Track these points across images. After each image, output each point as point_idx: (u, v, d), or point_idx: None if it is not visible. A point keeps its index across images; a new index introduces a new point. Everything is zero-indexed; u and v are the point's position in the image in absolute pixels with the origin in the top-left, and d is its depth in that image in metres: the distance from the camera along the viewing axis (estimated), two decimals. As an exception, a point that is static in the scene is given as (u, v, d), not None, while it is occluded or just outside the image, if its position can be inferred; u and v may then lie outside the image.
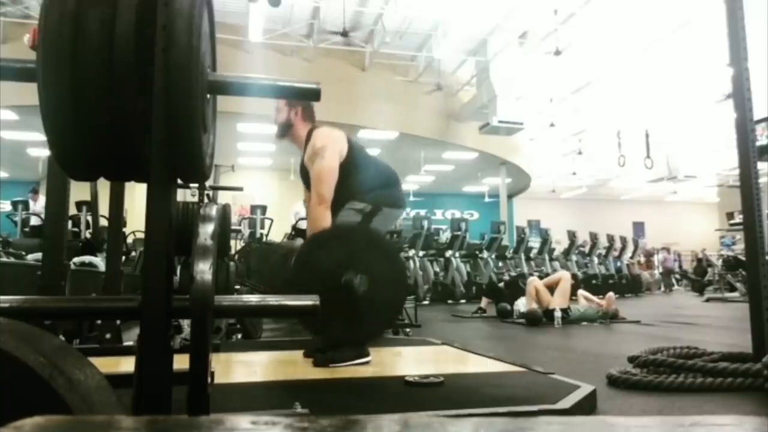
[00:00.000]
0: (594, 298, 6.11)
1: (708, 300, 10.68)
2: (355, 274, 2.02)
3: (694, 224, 24.05)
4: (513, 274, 9.63)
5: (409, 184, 18.72)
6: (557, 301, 5.69)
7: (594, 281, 10.99)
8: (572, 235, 12.49)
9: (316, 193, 2.68)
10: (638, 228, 23.98)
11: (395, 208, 2.91)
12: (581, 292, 6.19)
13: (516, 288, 6.78)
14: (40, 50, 0.90)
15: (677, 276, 17.63)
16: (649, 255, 18.04)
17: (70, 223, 5.26)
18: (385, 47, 11.56)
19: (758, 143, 2.55)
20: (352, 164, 2.78)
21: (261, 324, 4.33)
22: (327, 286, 2.04)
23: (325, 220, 2.61)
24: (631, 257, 14.56)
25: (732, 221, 13.07)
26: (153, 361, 0.93)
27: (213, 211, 1.14)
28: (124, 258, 4.76)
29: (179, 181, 1.08)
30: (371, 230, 2.58)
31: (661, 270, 17.19)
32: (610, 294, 6.10)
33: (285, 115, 2.89)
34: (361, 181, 2.78)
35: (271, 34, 10.68)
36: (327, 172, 2.68)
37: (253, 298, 1.35)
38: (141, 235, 6.15)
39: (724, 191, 20.33)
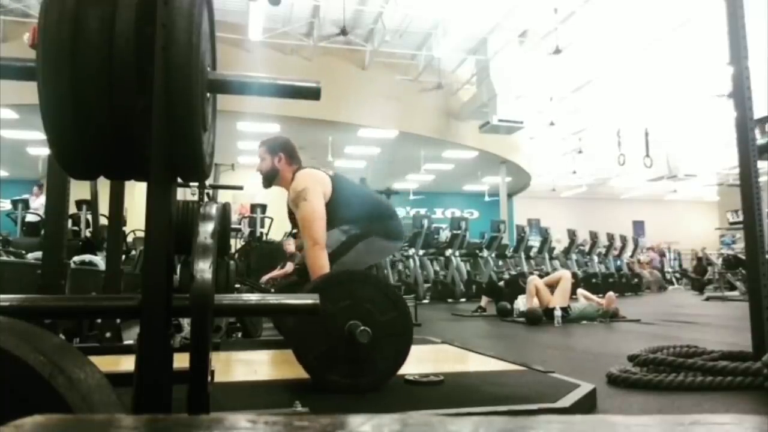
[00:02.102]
0: (593, 297, 6.11)
1: (708, 299, 10.68)
2: (359, 321, 2.01)
3: (694, 223, 24.05)
4: (513, 272, 9.64)
5: (409, 182, 18.73)
6: (557, 300, 5.69)
7: (594, 280, 10.99)
8: (572, 234, 12.49)
9: (308, 237, 2.61)
10: (638, 227, 23.98)
11: (389, 240, 2.85)
12: (580, 291, 6.20)
13: (516, 287, 6.78)
14: (39, 49, 0.90)
15: (676, 276, 17.62)
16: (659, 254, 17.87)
17: (70, 222, 5.26)
18: (385, 46, 11.55)
19: (758, 142, 2.55)
20: (338, 202, 2.72)
21: (261, 323, 4.33)
22: (330, 335, 2.02)
23: (323, 260, 2.55)
24: (631, 256, 14.57)
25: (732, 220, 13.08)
26: (153, 359, 0.93)
27: (213, 209, 1.14)
28: (124, 257, 4.76)
29: (179, 180, 1.08)
30: (375, 276, 2.55)
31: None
32: (610, 293, 6.10)
33: (269, 163, 2.84)
34: (351, 215, 2.72)
35: (271, 32, 10.68)
36: (313, 214, 2.62)
37: (253, 297, 1.35)
38: (141, 234, 6.16)
39: (724, 190, 20.32)
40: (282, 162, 2.84)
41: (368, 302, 2.07)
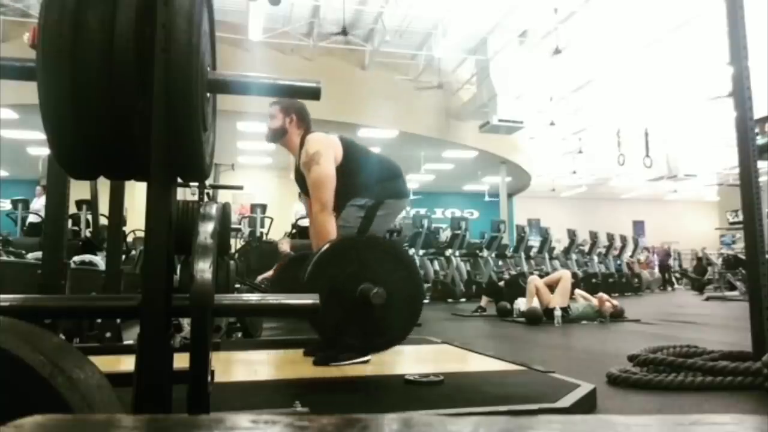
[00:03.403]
0: (591, 297, 6.12)
1: (708, 299, 10.68)
2: (372, 285, 2.00)
3: (694, 223, 24.06)
4: (513, 272, 9.63)
5: (410, 183, 18.65)
6: (557, 300, 5.69)
7: (594, 280, 10.99)
8: (572, 234, 12.49)
9: (316, 200, 2.65)
10: (638, 227, 23.99)
11: (399, 199, 2.90)
12: (578, 291, 6.19)
13: (516, 287, 6.78)
14: (39, 49, 0.90)
15: (676, 276, 17.62)
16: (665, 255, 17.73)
17: (69, 221, 5.26)
18: (385, 46, 11.55)
19: (758, 142, 2.55)
20: (350, 165, 2.76)
21: (261, 323, 4.34)
22: (343, 298, 2.02)
23: (330, 226, 2.59)
24: (631, 256, 14.57)
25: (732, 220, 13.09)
26: (153, 359, 0.93)
27: (213, 209, 1.14)
28: (124, 257, 4.76)
29: (179, 180, 1.08)
30: (385, 240, 2.56)
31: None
32: (601, 294, 6.11)
33: (280, 122, 2.87)
34: (362, 180, 2.76)
35: (271, 32, 10.67)
36: (324, 178, 2.66)
37: (253, 297, 1.35)
38: (141, 234, 6.15)
39: (724, 190, 20.34)
40: (293, 124, 2.87)
41: (377, 264, 2.07)
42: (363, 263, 2.06)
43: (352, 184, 2.74)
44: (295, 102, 2.92)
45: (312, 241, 2.74)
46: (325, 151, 2.72)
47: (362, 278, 2.02)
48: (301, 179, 2.87)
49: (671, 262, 18.02)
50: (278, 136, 2.90)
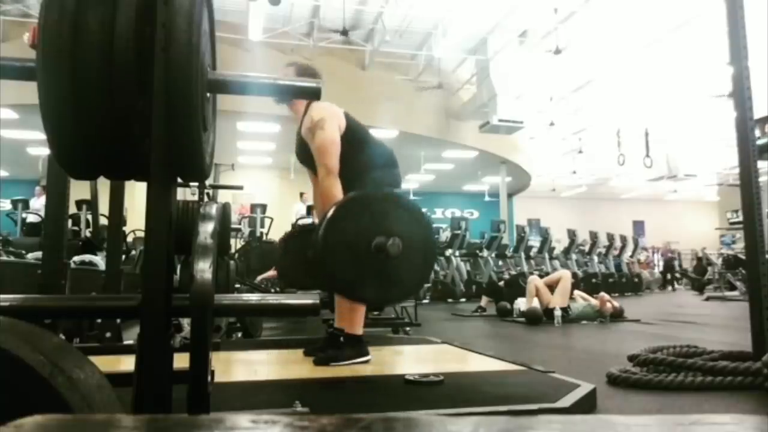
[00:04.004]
0: (590, 297, 6.12)
1: (708, 299, 10.68)
2: (386, 237, 2.01)
3: (694, 223, 24.05)
4: (513, 272, 9.63)
5: (410, 182, 18.71)
6: (557, 300, 5.69)
7: (594, 280, 10.99)
8: (572, 234, 12.49)
9: (322, 165, 2.65)
10: (638, 227, 23.98)
11: (398, 189, 2.92)
12: (578, 292, 6.19)
13: (516, 287, 6.78)
14: (39, 49, 0.90)
15: (676, 276, 17.61)
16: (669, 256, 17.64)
17: (69, 221, 5.26)
18: (385, 46, 11.55)
19: (758, 142, 2.55)
20: (354, 139, 2.75)
21: (261, 323, 4.34)
22: (358, 252, 2.03)
23: (336, 189, 2.59)
24: (631, 256, 14.57)
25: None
26: (153, 359, 0.93)
27: (213, 209, 1.14)
28: (124, 257, 4.76)
29: (179, 180, 1.08)
30: (397, 194, 2.53)
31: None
32: (602, 294, 6.11)
33: None
34: (362, 159, 2.76)
35: (271, 32, 10.67)
36: (329, 144, 2.66)
37: (253, 297, 1.35)
38: (141, 234, 6.16)
39: (724, 190, 20.34)
40: None
41: (390, 218, 2.08)
42: (376, 216, 2.08)
43: (359, 161, 2.74)
44: (309, 68, 2.93)
45: (316, 208, 2.74)
46: (330, 118, 2.72)
47: (376, 231, 2.04)
48: (302, 148, 2.84)
49: (674, 263, 18.00)
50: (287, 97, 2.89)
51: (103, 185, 2.39)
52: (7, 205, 10.41)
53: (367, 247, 2.02)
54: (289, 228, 7.68)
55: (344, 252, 2.04)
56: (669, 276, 16.84)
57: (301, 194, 10.06)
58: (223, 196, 8.81)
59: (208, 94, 1.11)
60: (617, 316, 5.87)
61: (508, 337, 4.85)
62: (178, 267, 3.21)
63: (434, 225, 11.71)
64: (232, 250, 7.24)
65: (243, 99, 8.74)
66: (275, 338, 4.31)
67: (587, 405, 1.99)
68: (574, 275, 6.73)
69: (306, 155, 2.82)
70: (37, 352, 0.63)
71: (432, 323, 5.70)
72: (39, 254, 3.64)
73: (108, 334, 2.91)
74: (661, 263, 18.07)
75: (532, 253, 12.00)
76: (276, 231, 9.56)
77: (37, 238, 6.38)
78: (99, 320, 2.93)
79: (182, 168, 1.03)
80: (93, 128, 0.93)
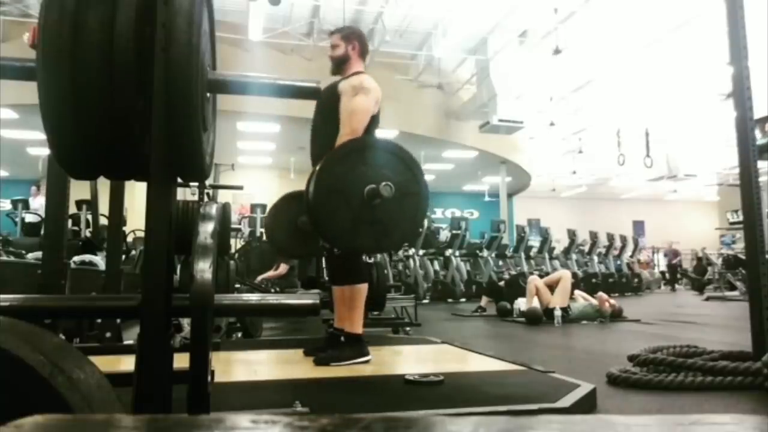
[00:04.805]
0: (590, 297, 6.12)
1: (708, 299, 10.68)
2: (378, 183, 2.01)
3: (694, 223, 24.04)
4: (513, 272, 9.63)
5: (409, 182, 18.67)
6: (557, 300, 5.69)
7: (594, 280, 10.99)
8: (572, 234, 12.49)
9: (347, 124, 2.60)
10: (638, 227, 23.97)
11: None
12: (578, 292, 6.20)
13: (516, 287, 6.78)
14: (39, 49, 0.90)
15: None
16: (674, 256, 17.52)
17: (70, 222, 5.26)
18: (385, 46, 11.54)
19: (758, 142, 2.55)
20: (370, 129, 2.73)
21: (261, 323, 4.34)
22: (351, 197, 2.03)
23: None
24: (631, 256, 14.57)
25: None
26: (153, 359, 0.93)
27: (213, 209, 1.14)
28: (124, 257, 4.76)
29: (179, 180, 1.08)
30: (391, 142, 2.52)
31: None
32: (601, 294, 6.12)
33: (343, 50, 2.89)
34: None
35: (271, 32, 10.67)
36: (365, 111, 2.65)
37: (253, 297, 1.35)
38: (141, 234, 6.15)
39: (724, 190, 20.33)
40: (355, 51, 2.89)
41: (383, 166, 2.07)
42: (370, 164, 2.08)
43: None
44: (355, 29, 2.93)
45: None
46: (376, 93, 2.72)
47: (369, 178, 2.03)
48: (325, 105, 2.75)
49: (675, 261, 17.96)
50: (341, 63, 2.89)
51: (103, 185, 2.39)
52: (7, 205, 10.40)
53: (360, 195, 2.02)
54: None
55: (337, 200, 2.04)
56: (673, 276, 16.79)
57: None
58: (223, 196, 8.80)
59: (208, 94, 1.11)
60: (617, 315, 5.87)
61: (508, 337, 4.85)
62: (178, 267, 3.21)
63: (434, 225, 11.77)
64: (232, 250, 7.24)
65: (243, 99, 8.73)
66: (275, 338, 4.32)
67: (587, 405, 1.99)
68: (574, 275, 6.73)
69: (324, 115, 2.76)
70: (37, 352, 0.63)
71: (432, 323, 5.70)
72: (39, 254, 3.64)
73: (108, 334, 2.91)
74: (663, 263, 18.01)
75: (532, 253, 12.00)
76: (276, 231, 9.56)
77: (37, 238, 6.38)
78: (99, 320, 2.93)
79: (182, 168, 1.03)
80: (93, 128, 0.93)
